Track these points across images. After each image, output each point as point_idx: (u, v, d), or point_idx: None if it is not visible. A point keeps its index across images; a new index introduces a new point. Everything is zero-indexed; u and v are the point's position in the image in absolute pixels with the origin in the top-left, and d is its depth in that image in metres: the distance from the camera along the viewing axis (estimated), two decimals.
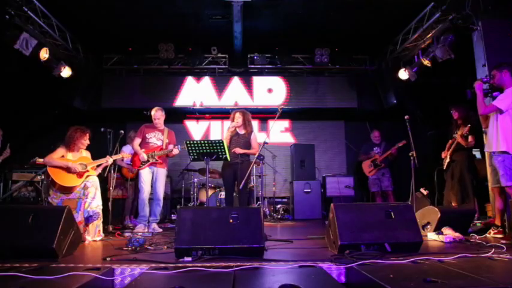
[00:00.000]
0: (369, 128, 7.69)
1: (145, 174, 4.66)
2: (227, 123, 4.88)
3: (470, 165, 4.83)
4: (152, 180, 4.71)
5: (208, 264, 2.28)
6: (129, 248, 2.99)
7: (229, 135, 4.70)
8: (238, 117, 4.73)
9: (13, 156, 6.07)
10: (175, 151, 4.72)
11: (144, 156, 4.61)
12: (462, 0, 4.89)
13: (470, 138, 4.71)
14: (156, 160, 4.66)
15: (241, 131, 4.76)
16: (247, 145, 4.73)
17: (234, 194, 5.09)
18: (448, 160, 4.92)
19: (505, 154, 3.40)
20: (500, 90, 3.64)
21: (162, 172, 4.74)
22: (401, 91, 6.96)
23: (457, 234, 3.32)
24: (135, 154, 4.76)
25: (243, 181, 4.21)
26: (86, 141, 4.03)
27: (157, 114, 4.81)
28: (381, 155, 6.30)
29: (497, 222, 3.65)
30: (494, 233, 3.56)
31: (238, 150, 4.58)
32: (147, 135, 4.76)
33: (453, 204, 4.85)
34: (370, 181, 6.42)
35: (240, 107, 7.21)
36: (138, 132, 4.82)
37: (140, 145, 4.72)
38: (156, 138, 4.78)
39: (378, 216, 2.78)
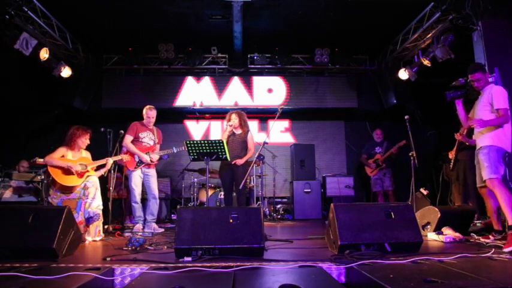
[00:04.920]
0: (369, 128, 7.70)
1: (137, 176, 4.62)
2: None
3: (472, 165, 4.79)
4: (143, 180, 4.69)
5: (208, 264, 2.28)
6: (129, 248, 3.00)
7: (227, 135, 4.72)
8: (235, 118, 4.76)
9: (13, 156, 6.08)
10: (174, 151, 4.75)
11: (147, 158, 4.60)
12: (462, 0, 4.89)
13: (474, 136, 4.67)
14: (152, 162, 4.66)
15: (238, 131, 4.79)
16: (244, 145, 4.77)
17: (233, 193, 5.10)
18: (454, 160, 4.91)
19: (490, 146, 3.23)
20: (476, 93, 3.50)
21: (153, 172, 4.77)
22: (401, 91, 6.96)
23: (457, 234, 3.32)
24: (128, 153, 4.63)
25: (243, 181, 4.22)
26: (86, 140, 4.04)
27: (152, 113, 4.77)
28: (383, 155, 6.31)
29: (496, 226, 3.48)
30: (495, 239, 3.30)
31: (239, 162, 4.59)
32: (140, 134, 4.71)
33: (456, 204, 4.85)
34: (372, 181, 6.43)
35: (240, 107, 7.22)
36: (130, 130, 4.68)
37: (132, 144, 4.65)
38: (148, 138, 4.77)
39: (378, 216, 2.78)
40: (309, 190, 6.58)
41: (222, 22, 6.05)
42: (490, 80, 3.88)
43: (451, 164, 4.98)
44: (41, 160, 4.03)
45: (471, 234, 3.65)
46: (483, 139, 3.33)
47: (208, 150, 4.07)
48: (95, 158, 4.17)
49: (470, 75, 3.45)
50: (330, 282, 1.99)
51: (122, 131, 4.70)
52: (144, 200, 4.87)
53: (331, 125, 7.95)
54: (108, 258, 2.52)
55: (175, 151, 4.77)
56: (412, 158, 4.35)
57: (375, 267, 2.13)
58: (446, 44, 5.36)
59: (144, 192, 4.79)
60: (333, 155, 7.82)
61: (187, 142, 4.10)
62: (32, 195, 5.52)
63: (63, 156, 3.89)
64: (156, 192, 4.72)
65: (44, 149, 4.16)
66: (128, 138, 4.64)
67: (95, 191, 3.88)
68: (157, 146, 4.85)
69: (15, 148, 6.71)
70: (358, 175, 7.34)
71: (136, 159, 4.64)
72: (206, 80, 7.45)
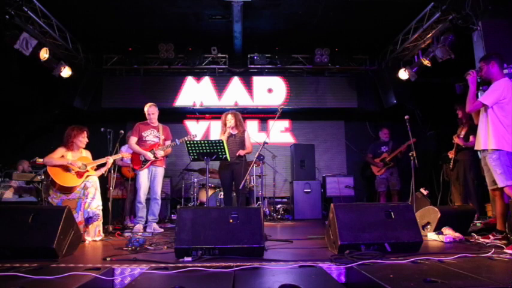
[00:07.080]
0: (369, 128, 7.70)
1: (144, 176, 4.62)
2: None
3: (472, 165, 4.80)
4: (150, 180, 4.69)
5: (208, 264, 2.28)
6: (129, 248, 3.00)
7: (226, 137, 4.73)
8: (231, 119, 4.78)
9: (13, 156, 6.09)
10: (175, 142, 4.74)
11: (150, 155, 4.59)
12: (462, 0, 4.89)
13: (471, 138, 4.66)
14: (157, 158, 4.65)
15: (234, 132, 4.82)
16: (242, 144, 4.79)
17: (233, 193, 5.10)
18: (454, 160, 4.92)
19: (499, 151, 3.15)
20: (488, 84, 3.38)
21: (161, 171, 4.74)
22: (401, 91, 6.96)
23: (457, 234, 3.31)
24: (133, 154, 4.68)
25: (243, 181, 4.23)
26: (84, 138, 4.02)
27: (152, 110, 4.76)
28: (390, 154, 6.27)
29: (499, 227, 3.47)
30: (495, 239, 3.28)
31: (241, 153, 4.66)
32: (143, 133, 4.71)
33: (456, 204, 4.84)
34: (378, 180, 6.33)
35: (240, 107, 7.23)
36: (133, 131, 4.72)
37: (137, 144, 4.66)
38: (152, 136, 4.75)
39: (378, 216, 2.78)
40: (309, 190, 6.58)
41: (222, 22, 6.05)
42: (506, 71, 3.71)
43: (451, 164, 4.98)
44: (41, 160, 4.03)
45: (471, 234, 3.65)
46: (489, 140, 3.22)
47: (208, 150, 4.07)
48: (95, 158, 4.17)
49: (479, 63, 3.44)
50: (330, 282, 1.99)
51: (122, 131, 4.71)
52: (147, 200, 4.87)
53: (331, 125, 7.95)
54: (108, 258, 2.51)
55: (178, 143, 4.75)
56: (412, 158, 4.35)
57: (374, 267, 2.13)
58: (446, 44, 5.36)
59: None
60: (332, 155, 7.83)
61: (187, 142, 4.10)
62: (32, 195, 5.52)
63: (62, 156, 3.88)
64: (158, 193, 4.70)
65: (44, 149, 4.16)
66: (133, 140, 4.67)
67: (94, 191, 3.88)
68: (167, 142, 4.80)
69: (15, 148, 6.71)
70: (361, 175, 7.34)
71: (142, 159, 4.63)
72: (206, 80, 7.46)
